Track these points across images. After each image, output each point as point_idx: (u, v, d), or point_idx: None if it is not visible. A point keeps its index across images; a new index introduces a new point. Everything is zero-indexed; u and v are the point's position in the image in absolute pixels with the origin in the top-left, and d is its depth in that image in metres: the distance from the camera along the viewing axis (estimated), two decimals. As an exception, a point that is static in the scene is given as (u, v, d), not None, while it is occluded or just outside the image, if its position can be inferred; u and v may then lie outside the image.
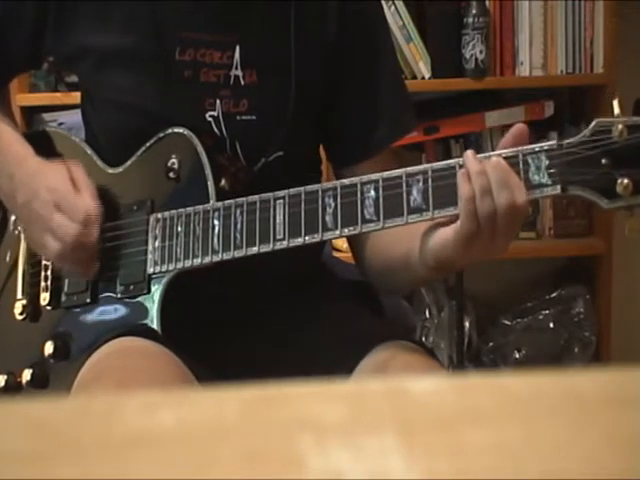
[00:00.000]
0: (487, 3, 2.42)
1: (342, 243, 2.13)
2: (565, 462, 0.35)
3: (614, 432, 0.37)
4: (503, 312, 2.60)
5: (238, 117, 1.22)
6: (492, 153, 1.04)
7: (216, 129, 1.22)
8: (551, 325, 2.57)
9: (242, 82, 1.23)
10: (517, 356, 2.58)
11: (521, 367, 2.56)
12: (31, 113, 2.43)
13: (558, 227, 2.54)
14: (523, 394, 0.41)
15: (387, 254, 1.21)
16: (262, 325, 1.26)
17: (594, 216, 2.53)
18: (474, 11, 2.39)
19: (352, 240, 1.29)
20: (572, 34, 2.44)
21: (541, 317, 2.58)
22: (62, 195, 1.16)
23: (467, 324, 2.53)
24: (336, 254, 1.66)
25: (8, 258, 1.34)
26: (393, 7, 2.40)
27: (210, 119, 1.22)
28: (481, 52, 2.39)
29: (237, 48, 1.22)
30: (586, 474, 0.34)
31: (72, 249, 1.16)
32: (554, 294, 2.59)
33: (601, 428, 0.38)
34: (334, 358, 1.17)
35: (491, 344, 2.59)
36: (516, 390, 0.41)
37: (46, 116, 2.44)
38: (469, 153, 1.04)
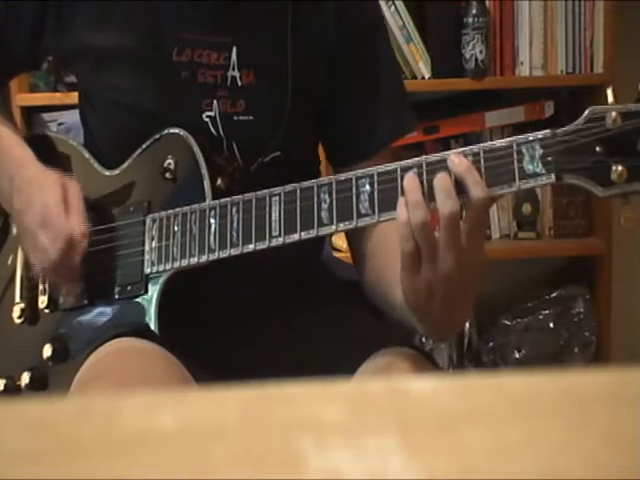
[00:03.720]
0: (487, 3, 2.42)
1: (342, 243, 2.13)
2: (565, 462, 0.35)
3: (614, 432, 0.37)
4: (503, 312, 2.60)
5: (235, 117, 1.22)
6: (485, 144, 1.02)
7: (213, 129, 1.22)
8: (551, 325, 2.57)
9: (239, 83, 1.22)
10: (517, 356, 2.57)
11: (521, 367, 2.55)
12: (31, 113, 2.43)
13: (558, 227, 2.54)
14: (523, 394, 0.41)
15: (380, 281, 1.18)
16: (261, 325, 1.25)
17: (594, 216, 2.53)
18: (474, 11, 2.39)
19: (353, 248, 1.29)
20: (572, 34, 2.44)
21: (541, 317, 2.58)
22: (50, 215, 1.16)
23: (467, 324, 2.53)
24: (336, 254, 1.66)
25: (10, 262, 1.34)
26: (393, 7, 2.40)
27: (207, 119, 1.22)
28: (481, 52, 2.39)
29: (234, 49, 1.22)
30: (586, 474, 0.34)
31: (51, 270, 1.18)
32: (554, 294, 2.59)
33: (601, 428, 0.38)
34: (333, 362, 1.17)
35: (491, 344, 2.59)
36: (516, 390, 0.41)
37: (46, 116, 2.44)
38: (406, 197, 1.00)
